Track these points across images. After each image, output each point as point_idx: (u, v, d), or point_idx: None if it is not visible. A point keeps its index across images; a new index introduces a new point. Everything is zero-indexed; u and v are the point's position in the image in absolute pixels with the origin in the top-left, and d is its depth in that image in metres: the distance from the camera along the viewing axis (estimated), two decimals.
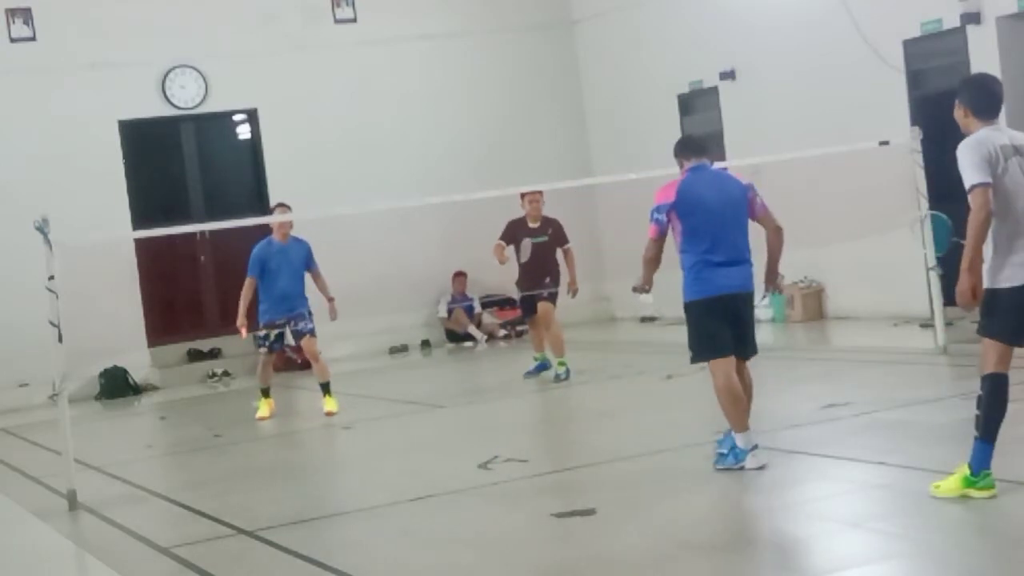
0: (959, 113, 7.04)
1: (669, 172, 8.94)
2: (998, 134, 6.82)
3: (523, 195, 13.45)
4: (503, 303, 19.35)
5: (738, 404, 8.07)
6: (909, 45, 14.59)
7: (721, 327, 8.16)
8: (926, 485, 6.97)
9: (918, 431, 8.91)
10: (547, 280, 13.47)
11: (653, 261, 8.39)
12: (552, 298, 13.49)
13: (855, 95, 15.07)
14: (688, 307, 8.27)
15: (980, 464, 6.70)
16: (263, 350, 13.06)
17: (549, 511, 7.66)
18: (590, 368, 13.99)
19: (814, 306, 16.37)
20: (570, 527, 7.33)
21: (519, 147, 19.32)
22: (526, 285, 13.61)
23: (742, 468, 8.01)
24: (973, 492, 6.72)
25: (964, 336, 12.94)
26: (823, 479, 8.03)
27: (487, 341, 18.76)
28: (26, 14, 17.45)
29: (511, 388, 13.40)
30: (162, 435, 14.12)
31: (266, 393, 13.15)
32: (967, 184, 6.65)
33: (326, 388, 12.93)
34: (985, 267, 6.71)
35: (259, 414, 13.10)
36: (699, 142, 8.62)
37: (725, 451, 8.12)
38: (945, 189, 13.64)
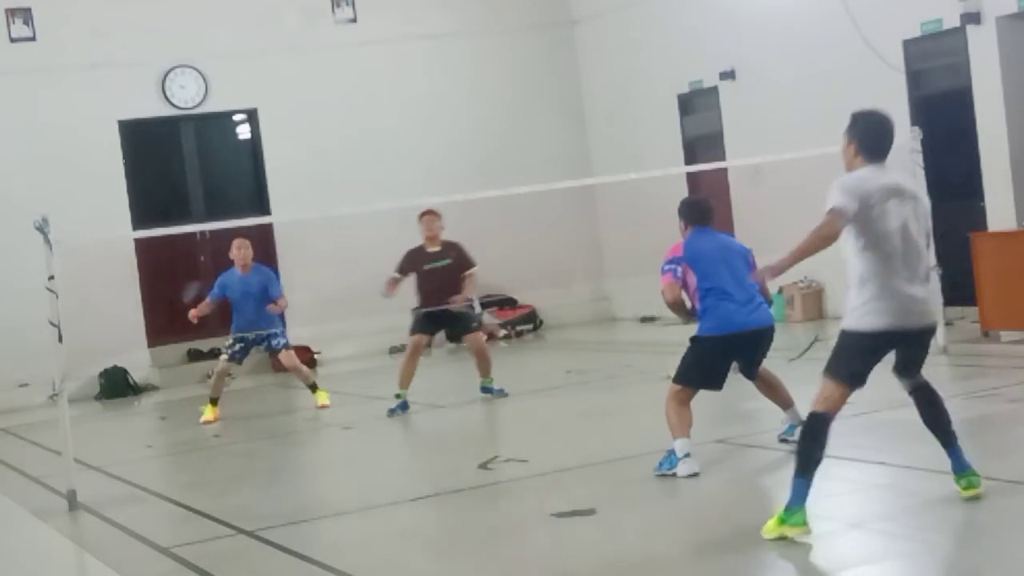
0: (847, 147, 6.63)
1: (669, 172, 8.98)
2: (879, 173, 6.50)
3: (420, 216, 12.74)
4: (503, 303, 19.35)
5: (686, 418, 8.22)
6: (909, 45, 14.58)
7: (719, 369, 8.33)
8: (926, 485, 6.98)
9: (918, 431, 8.85)
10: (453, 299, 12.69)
11: (677, 302, 8.40)
12: (479, 326, 13.19)
13: (855, 95, 14.97)
14: (698, 339, 8.35)
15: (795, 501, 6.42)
16: (223, 357, 13.36)
17: (549, 511, 7.66)
18: (590, 368, 13.98)
19: (814, 306, 16.38)
20: (570, 527, 7.33)
21: (519, 147, 19.31)
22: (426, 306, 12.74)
23: (674, 475, 8.10)
24: (787, 530, 6.41)
25: (964, 336, 12.96)
26: (823, 479, 7.98)
27: (487, 341, 18.69)
28: (26, 14, 17.46)
29: (511, 388, 13.38)
30: (162, 435, 14.12)
31: (214, 403, 13.44)
32: (826, 207, 6.30)
33: (314, 387, 13.46)
34: (848, 307, 6.52)
35: (203, 418, 13.32)
36: (704, 210, 8.69)
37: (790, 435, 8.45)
38: (945, 189, 13.70)
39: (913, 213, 6.45)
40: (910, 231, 6.41)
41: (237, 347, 13.26)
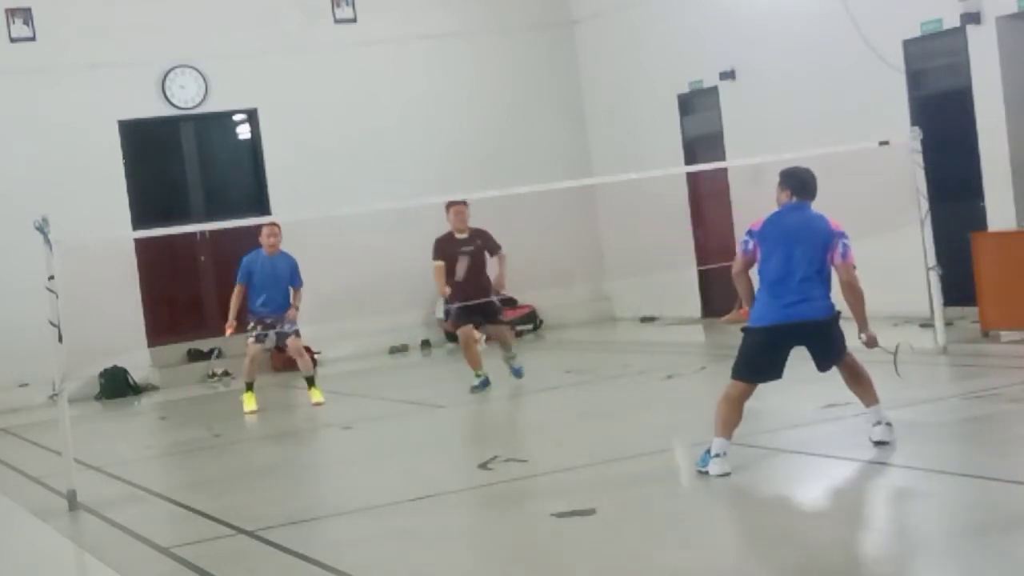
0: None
1: (669, 172, 8.96)
2: None
3: (448, 206, 13.21)
4: (503, 303, 19.31)
5: (732, 418, 8.08)
6: (909, 45, 14.58)
7: (769, 359, 8.09)
8: (926, 485, 6.97)
9: (918, 431, 8.90)
10: (487, 296, 13.36)
11: (740, 276, 8.29)
12: (502, 319, 13.72)
13: (855, 95, 15.06)
14: (747, 330, 8.23)
15: None
16: (250, 341, 13.54)
17: (549, 511, 7.65)
18: (590, 368, 13.97)
19: None
20: (570, 527, 7.33)
21: (519, 147, 19.31)
22: (461, 300, 13.26)
23: (706, 473, 8.01)
24: None
25: (964, 336, 12.96)
26: (823, 479, 8.03)
27: (487, 341, 18.70)
28: (26, 14, 17.45)
29: (511, 388, 13.40)
30: (162, 435, 14.12)
31: (251, 388, 13.69)
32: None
33: (311, 381, 13.73)
34: None
35: (246, 408, 13.57)
36: (806, 182, 8.36)
37: None
38: (945, 189, 13.70)
39: None
40: None
41: (258, 328, 13.50)
